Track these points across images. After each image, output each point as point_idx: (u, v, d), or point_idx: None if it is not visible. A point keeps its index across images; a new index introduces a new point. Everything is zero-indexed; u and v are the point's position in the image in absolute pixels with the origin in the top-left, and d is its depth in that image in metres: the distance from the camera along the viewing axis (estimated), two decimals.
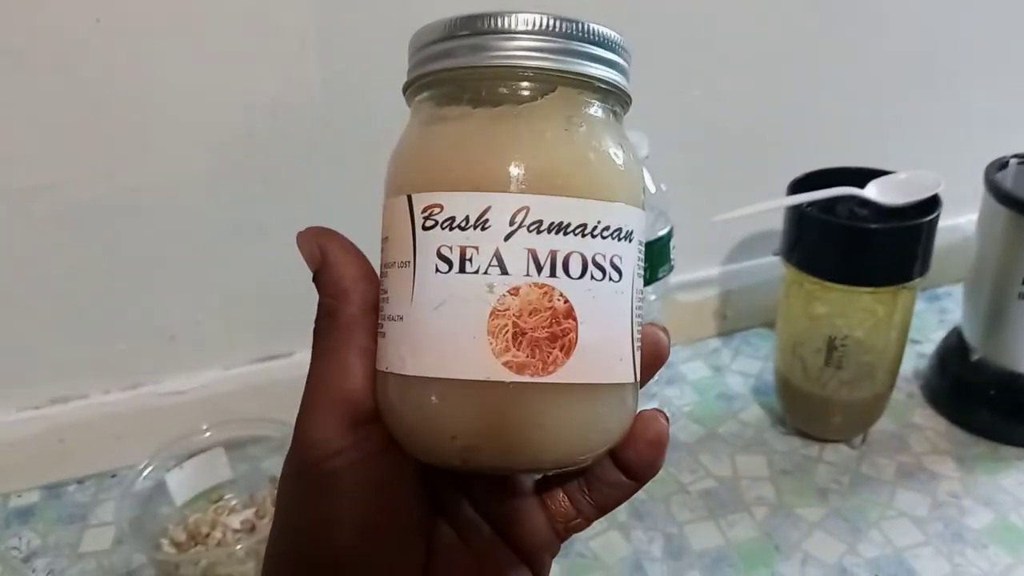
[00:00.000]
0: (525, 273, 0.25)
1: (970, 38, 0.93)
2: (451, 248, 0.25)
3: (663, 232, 0.73)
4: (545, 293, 0.25)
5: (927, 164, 0.73)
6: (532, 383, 0.25)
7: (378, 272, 0.28)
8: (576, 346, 0.26)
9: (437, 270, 0.25)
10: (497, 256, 0.25)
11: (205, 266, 0.74)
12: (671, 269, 0.76)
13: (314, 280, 0.29)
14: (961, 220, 0.93)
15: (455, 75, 0.27)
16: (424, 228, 0.26)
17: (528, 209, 0.25)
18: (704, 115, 0.84)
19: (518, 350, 0.25)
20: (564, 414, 0.26)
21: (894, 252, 0.70)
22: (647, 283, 0.73)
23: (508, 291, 0.25)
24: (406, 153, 0.28)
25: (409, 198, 0.26)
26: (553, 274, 0.25)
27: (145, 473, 0.68)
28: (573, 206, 0.26)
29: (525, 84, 0.27)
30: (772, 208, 0.73)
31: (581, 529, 0.32)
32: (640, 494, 0.72)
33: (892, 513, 0.71)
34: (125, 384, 0.77)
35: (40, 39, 0.62)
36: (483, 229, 0.25)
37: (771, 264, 0.80)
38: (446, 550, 0.31)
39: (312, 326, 0.29)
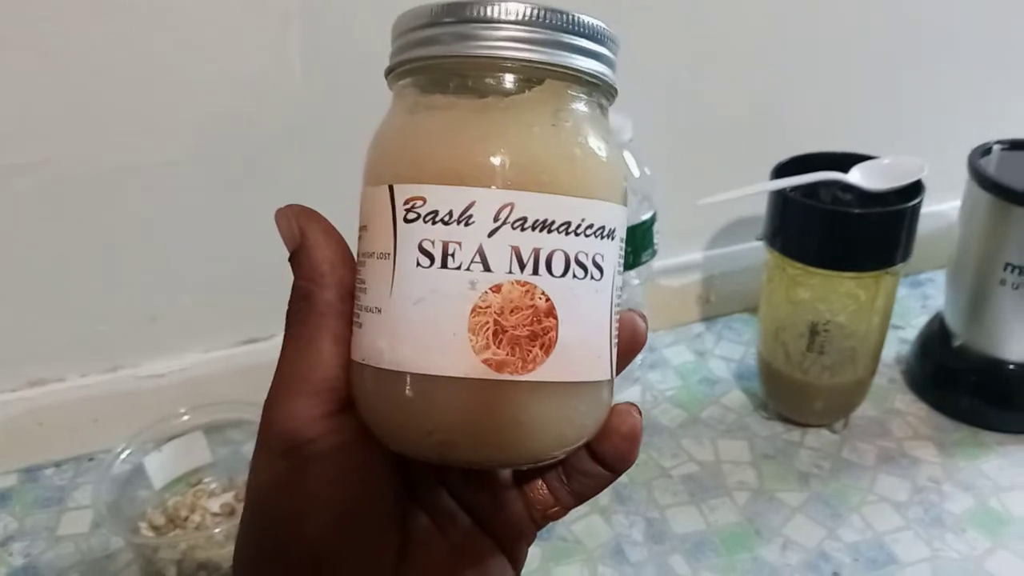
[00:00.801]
0: (508, 270, 0.25)
1: (956, 23, 0.92)
2: (433, 242, 0.25)
3: (646, 216, 0.73)
4: (527, 291, 0.25)
5: (911, 149, 0.73)
6: (511, 381, 0.25)
7: (355, 259, 0.28)
8: (556, 345, 0.25)
9: (418, 264, 0.25)
10: (480, 252, 0.25)
11: (186, 248, 0.73)
12: (654, 253, 0.75)
13: (290, 260, 0.28)
14: (944, 206, 0.93)
15: (442, 63, 0.26)
16: (406, 220, 0.25)
17: (513, 205, 0.25)
18: (688, 99, 0.84)
19: (498, 348, 0.25)
20: (542, 411, 0.26)
21: (877, 237, 0.70)
22: (630, 267, 0.73)
23: (490, 288, 0.25)
24: (388, 141, 0.27)
25: (391, 188, 0.26)
26: (536, 272, 0.25)
27: (123, 456, 0.67)
28: (558, 203, 0.25)
29: (513, 76, 0.26)
30: (756, 192, 0.73)
31: (558, 517, 0.32)
32: (622, 478, 0.72)
33: (873, 498, 0.72)
34: (104, 367, 0.76)
35: (20, 17, 0.61)
36: (467, 224, 0.25)
37: (754, 249, 0.80)
38: (422, 538, 0.31)
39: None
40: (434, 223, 0.25)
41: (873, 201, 0.71)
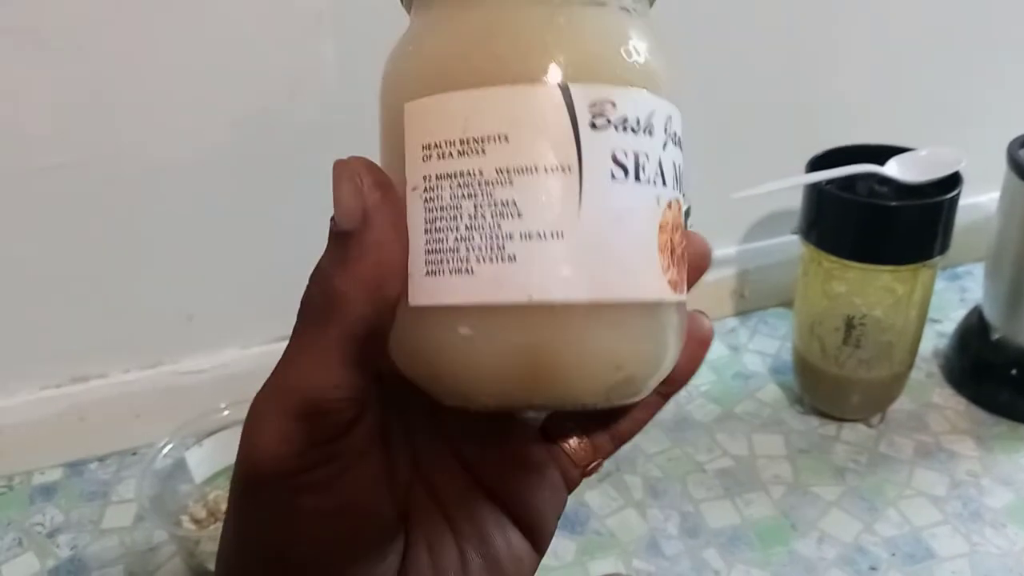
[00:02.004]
0: (673, 186, 0.24)
1: (993, 13, 0.91)
2: (626, 153, 0.22)
3: None
4: (679, 208, 0.24)
5: (948, 141, 0.72)
6: (674, 302, 0.24)
7: (421, 183, 0.23)
8: (686, 264, 0.25)
9: (613, 177, 0.22)
10: (660, 165, 0.23)
11: (223, 245, 0.74)
12: None
13: (333, 232, 0.23)
14: (983, 198, 0.92)
15: None
16: (593, 127, 0.22)
17: (671, 118, 0.24)
18: (723, 92, 0.83)
19: (674, 268, 0.23)
20: (678, 331, 0.25)
21: (914, 230, 0.69)
22: None
23: (667, 204, 0.23)
24: (535, 31, 0.23)
25: (566, 88, 0.22)
26: (681, 188, 0.24)
27: (165, 451, 0.69)
28: (680, 118, 0.24)
29: None
30: (791, 186, 0.72)
31: (596, 471, 0.29)
32: (656, 472, 0.73)
33: (910, 492, 0.71)
34: (145, 363, 0.77)
35: (56, 20, 0.62)
36: (650, 135, 0.23)
37: (789, 243, 0.80)
38: (425, 530, 0.27)
39: None
40: (626, 131, 0.22)
41: (910, 193, 0.70)
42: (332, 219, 0.22)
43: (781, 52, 0.84)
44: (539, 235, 0.22)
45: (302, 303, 0.23)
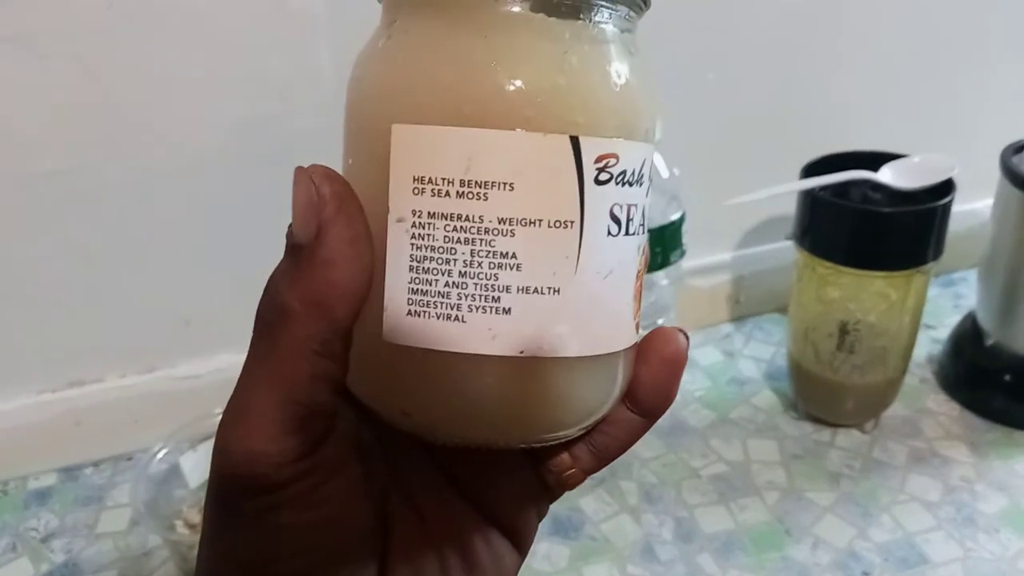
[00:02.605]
0: (647, 229, 0.24)
1: (986, 19, 0.92)
2: (621, 207, 0.22)
3: (675, 217, 0.73)
4: (647, 249, 0.24)
5: (942, 148, 0.73)
6: (631, 347, 0.24)
7: (409, 216, 0.22)
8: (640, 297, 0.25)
9: (608, 232, 0.22)
10: (643, 213, 0.23)
11: (219, 250, 0.74)
12: (683, 254, 0.76)
13: (289, 245, 0.22)
14: (977, 205, 0.92)
15: None
16: (597, 182, 0.21)
17: (653, 160, 0.24)
18: (717, 99, 0.84)
19: (638, 310, 0.24)
20: (630, 361, 0.25)
21: (907, 236, 0.69)
22: (659, 268, 0.73)
23: (643, 251, 0.24)
24: (550, 72, 0.21)
25: (576, 141, 0.21)
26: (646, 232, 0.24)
27: (160, 456, 0.69)
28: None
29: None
30: (785, 192, 0.73)
31: (575, 483, 0.27)
32: (651, 478, 0.73)
33: (904, 498, 0.71)
34: (141, 368, 0.77)
35: (52, 25, 0.62)
36: (640, 184, 0.23)
37: (784, 249, 0.80)
38: (402, 534, 0.27)
39: None
40: (622, 184, 0.22)
41: (904, 200, 0.71)
42: (289, 227, 0.22)
43: (775, 60, 0.84)
44: (537, 290, 0.21)
45: (257, 313, 0.23)
